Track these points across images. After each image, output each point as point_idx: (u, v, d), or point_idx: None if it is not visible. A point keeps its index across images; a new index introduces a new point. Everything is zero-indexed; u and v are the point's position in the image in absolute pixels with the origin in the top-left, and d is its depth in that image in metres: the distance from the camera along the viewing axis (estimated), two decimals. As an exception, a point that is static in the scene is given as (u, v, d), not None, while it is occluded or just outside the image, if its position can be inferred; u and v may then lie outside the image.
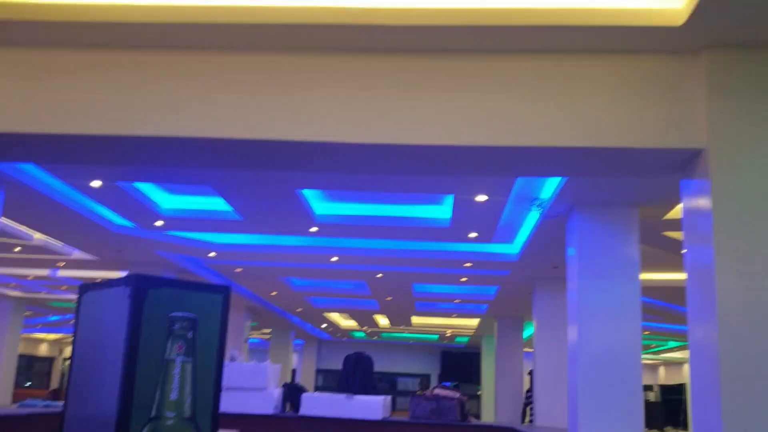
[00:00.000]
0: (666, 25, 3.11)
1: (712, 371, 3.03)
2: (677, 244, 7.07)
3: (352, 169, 4.16)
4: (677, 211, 6.08)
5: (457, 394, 8.51)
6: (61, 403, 6.05)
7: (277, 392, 7.64)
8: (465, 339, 20.96)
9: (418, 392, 8.97)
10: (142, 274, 3.95)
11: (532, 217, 7.01)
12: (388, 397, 8.27)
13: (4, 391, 14.78)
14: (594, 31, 3.21)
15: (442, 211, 7.08)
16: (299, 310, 15.48)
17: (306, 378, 22.76)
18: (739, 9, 2.90)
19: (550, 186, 6.02)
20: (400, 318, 16.33)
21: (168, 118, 3.54)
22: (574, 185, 5.42)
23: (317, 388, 23.36)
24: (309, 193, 6.77)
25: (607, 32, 3.21)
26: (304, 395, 7.50)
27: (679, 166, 3.47)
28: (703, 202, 3.23)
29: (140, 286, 3.81)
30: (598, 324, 5.62)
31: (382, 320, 17.16)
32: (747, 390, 2.95)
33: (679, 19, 3.07)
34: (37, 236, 8.99)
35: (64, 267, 11.26)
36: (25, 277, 12.18)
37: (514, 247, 8.49)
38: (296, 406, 7.63)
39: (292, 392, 8.16)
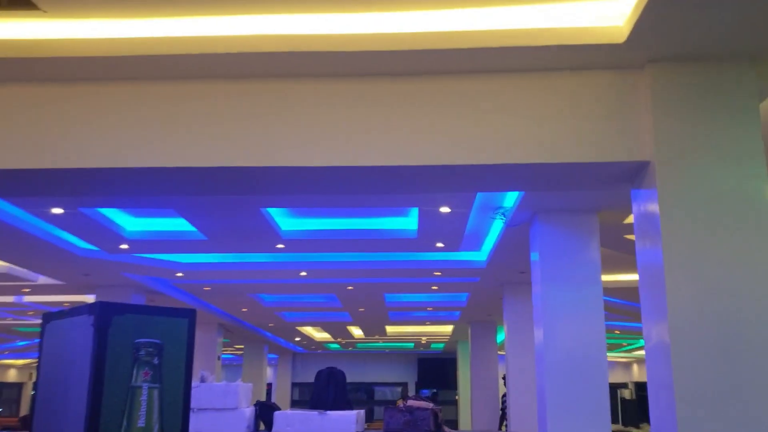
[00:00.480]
0: (609, 42, 3.21)
1: (666, 368, 3.12)
2: (638, 247, 7.20)
3: (316, 192, 4.20)
4: (636, 215, 6.22)
5: (430, 405, 8.49)
6: (28, 433, 5.95)
7: (249, 411, 7.56)
8: (441, 345, 21.03)
9: (398, 402, 8.97)
10: (105, 301, 3.91)
11: (497, 226, 7.11)
12: (362, 412, 8.27)
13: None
14: (542, 51, 3.30)
15: (408, 222, 7.14)
16: (271, 325, 15.40)
17: (282, 392, 22.61)
18: (678, 25, 3.01)
19: (512, 196, 6.12)
20: (374, 328, 16.34)
21: (128, 149, 3.55)
22: (534, 194, 5.53)
23: (294, 402, 23.20)
24: (274, 211, 6.78)
25: (554, 51, 3.30)
26: (277, 413, 7.43)
27: (628, 178, 3.58)
28: (651, 209, 3.34)
29: (104, 314, 3.77)
30: (563, 325, 5.71)
31: (356, 331, 17.15)
32: (699, 386, 3.03)
33: (622, 37, 3.17)
34: (0, 264, 8.83)
35: (29, 293, 11.07)
36: (-11, 304, 11.94)
37: (481, 255, 8.58)
38: (269, 424, 7.56)
39: (265, 411, 8.08)
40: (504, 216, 6.50)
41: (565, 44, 3.25)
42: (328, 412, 7.49)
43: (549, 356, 5.67)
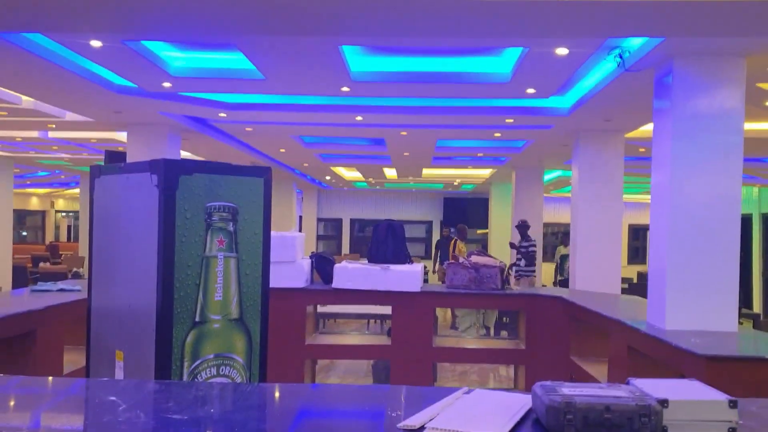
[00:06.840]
0: None
1: None
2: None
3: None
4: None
5: (497, 262, 8.05)
6: (69, 277, 5.54)
7: (306, 263, 6.99)
8: (471, 186, 20.51)
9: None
10: (170, 159, 3.28)
11: (604, 70, 6.06)
12: (422, 265, 7.79)
13: (3, 246, 14.34)
14: None
15: (501, 63, 6.06)
16: (306, 165, 14.70)
17: (308, 227, 22.55)
18: None
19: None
20: (410, 171, 15.63)
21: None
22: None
23: (319, 237, 23.26)
24: (348, 48, 5.71)
25: None
26: (337, 267, 6.88)
27: None
28: None
29: (170, 173, 3.20)
30: (694, 180, 4.87)
31: (390, 172, 16.47)
32: None
33: None
34: (26, 99, 7.93)
35: (55, 129, 10.25)
36: (12, 139, 11.17)
37: (566, 101, 7.59)
38: (325, 276, 7.03)
39: (321, 263, 7.57)
40: (621, 58, 5.46)
41: None
42: (391, 266, 6.97)
43: (674, 208, 4.89)
